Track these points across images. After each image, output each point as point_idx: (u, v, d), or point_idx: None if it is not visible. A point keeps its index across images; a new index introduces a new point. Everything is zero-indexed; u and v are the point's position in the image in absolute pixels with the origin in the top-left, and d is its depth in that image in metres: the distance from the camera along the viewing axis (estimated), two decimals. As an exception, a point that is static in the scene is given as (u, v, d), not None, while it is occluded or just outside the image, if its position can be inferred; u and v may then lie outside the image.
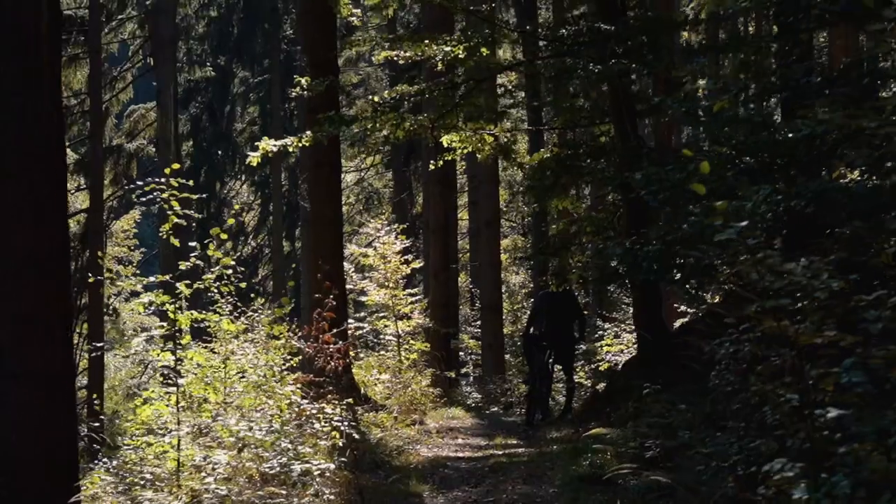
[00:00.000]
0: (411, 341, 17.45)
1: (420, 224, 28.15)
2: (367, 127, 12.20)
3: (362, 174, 40.04)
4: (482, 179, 20.25)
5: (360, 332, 17.35)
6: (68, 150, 31.66)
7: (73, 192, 32.06)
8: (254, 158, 11.88)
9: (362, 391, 14.24)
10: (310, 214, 14.02)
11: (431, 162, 14.37)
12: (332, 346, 8.77)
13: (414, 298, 17.43)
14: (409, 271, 17.55)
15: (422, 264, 17.81)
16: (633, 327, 14.31)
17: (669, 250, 8.17)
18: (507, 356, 21.60)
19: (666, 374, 10.50)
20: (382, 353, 17.36)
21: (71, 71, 31.32)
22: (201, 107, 36.39)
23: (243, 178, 38.20)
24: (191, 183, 9.79)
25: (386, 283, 17.33)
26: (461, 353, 22.99)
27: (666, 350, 11.58)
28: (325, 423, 7.93)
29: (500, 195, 23.92)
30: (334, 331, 10.10)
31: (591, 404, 12.98)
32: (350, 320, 17.48)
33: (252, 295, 31.63)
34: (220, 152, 36.97)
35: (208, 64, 36.35)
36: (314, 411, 7.98)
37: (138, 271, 41.09)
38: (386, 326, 17.53)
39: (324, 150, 13.35)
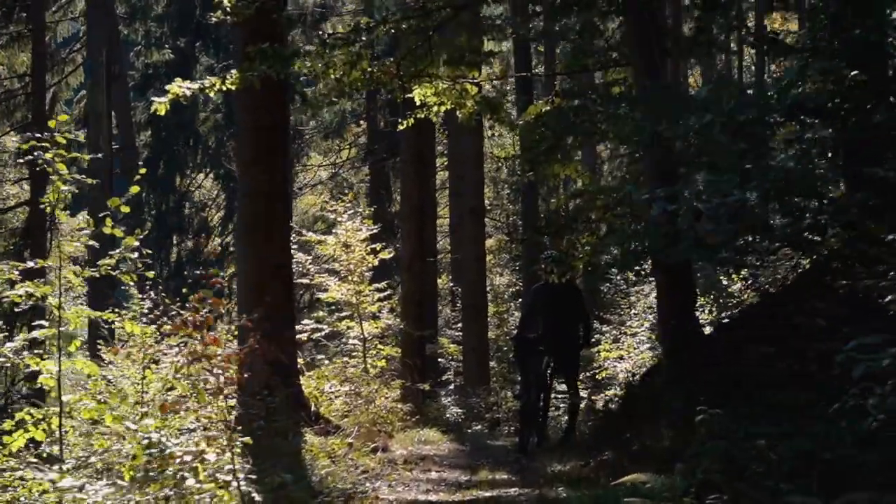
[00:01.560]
0: (379, 346, 14.64)
1: (399, 223, 25.27)
2: (315, 68, 9.42)
3: (337, 169, 37.33)
4: (464, 159, 17.44)
5: (318, 334, 14.54)
6: (10, 137, 28.87)
7: (11, 182, 29.29)
8: (160, 105, 9.11)
9: (314, 407, 11.43)
10: (241, 188, 11.18)
11: (400, 121, 11.60)
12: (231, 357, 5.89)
13: (382, 295, 14.61)
14: (376, 262, 14.74)
15: (392, 254, 14.98)
16: (658, 325, 11.58)
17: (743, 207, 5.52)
18: (491, 363, 18.79)
19: (710, 390, 7.77)
20: (346, 359, 14.57)
21: (13, 51, 28.56)
22: (160, 93, 33.32)
23: (207, 170, 35.38)
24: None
25: (349, 277, 14.52)
26: (441, 360, 20.13)
27: (703, 356, 8.86)
28: (208, 476, 5.07)
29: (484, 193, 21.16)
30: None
31: (604, 427, 10.22)
32: (306, 321, 14.69)
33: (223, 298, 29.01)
34: (180, 142, 34.07)
35: (167, 46, 33.44)
36: (190, 457, 5.11)
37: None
38: (349, 328, 14.72)
39: (265, 107, 10.55)
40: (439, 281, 31.75)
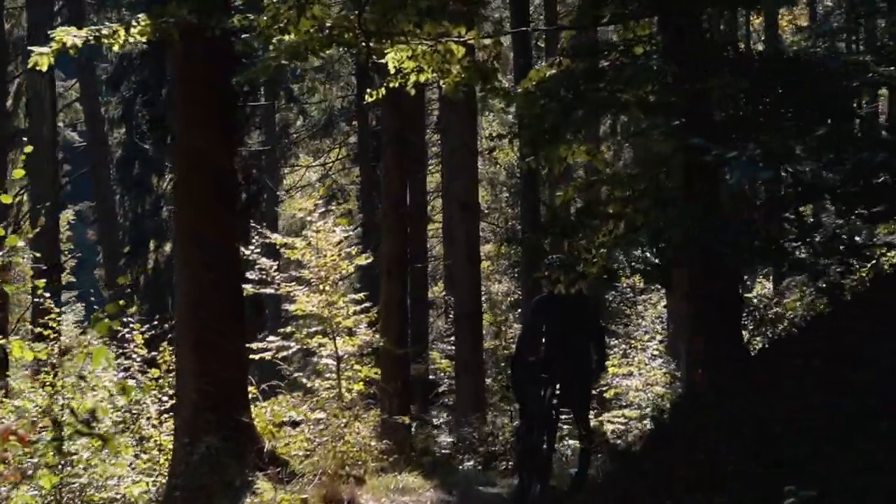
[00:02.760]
0: (356, 366, 12.52)
1: (380, 222, 23.15)
2: (259, 23, 7.34)
3: (326, 169, 35.33)
4: (455, 145, 15.30)
5: (285, 353, 12.43)
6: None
7: (-29, 184, 27.20)
8: (42, 59, 6.99)
9: (268, 445, 9.34)
10: (175, 165, 9.08)
11: (369, 92, 9.49)
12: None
13: (360, 307, 12.50)
14: (352, 269, 12.63)
15: (370, 259, 12.87)
16: (678, 339, 9.48)
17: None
18: (488, 380, 16.65)
19: (778, 443, 5.70)
20: (317, 381, 12.48)
21: (-29, 40, 26.60)
22: (134, 88, 31.34)
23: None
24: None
25: (320, 286, 12.40)
26: (433, 376, 17.98)
27: (751, 377, 6.82)
28: None
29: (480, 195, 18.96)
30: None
31: (625, 471, 8.10)
32: (272, 337, 12.57)
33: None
34: (157, 139, 31.83)
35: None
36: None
37: (74, 278, 36.49)
38: (321, 346, 12.59)
39: (201, 71, 8.48)
40: (434, 289, 29.69)
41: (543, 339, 8.44)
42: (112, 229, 31.75)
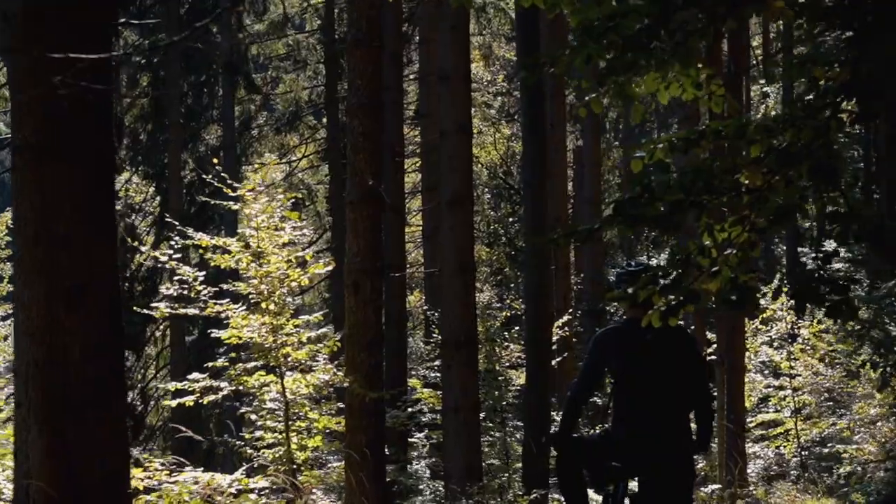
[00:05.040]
0: (311, 415, 9.08)
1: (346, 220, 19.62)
2: None
3: (291, 167, 32.14)
4: (441, 117, 11.71)
5: (214, 396, 8.96)
6: None
7: None
8: None
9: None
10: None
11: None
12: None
13: (316, 333, 9.06)
14: (306, 282, 9.18)
15: (330, 268, 9.46)
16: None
17: None
18: (489, 420, 13.19)
19: None
20: (259, 434, 9.09)
21: None
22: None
23: (134, 167, 29.73)
24: None
25: (262, 304, 8.96)
26: (411, 408, 14.40)
27: None
28: None
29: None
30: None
31: None
32: (195, 374, 9.12)
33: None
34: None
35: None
36: None
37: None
38: (265, 386, 9.13)
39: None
40: (410, 298, 26.28)
41: (613, 402, 5.08)
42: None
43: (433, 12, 16.46)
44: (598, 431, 5.45)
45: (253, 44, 30.66)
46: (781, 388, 14.83)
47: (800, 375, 14.75)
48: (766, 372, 15.76)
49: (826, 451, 13.49)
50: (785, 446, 14.52)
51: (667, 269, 4.35)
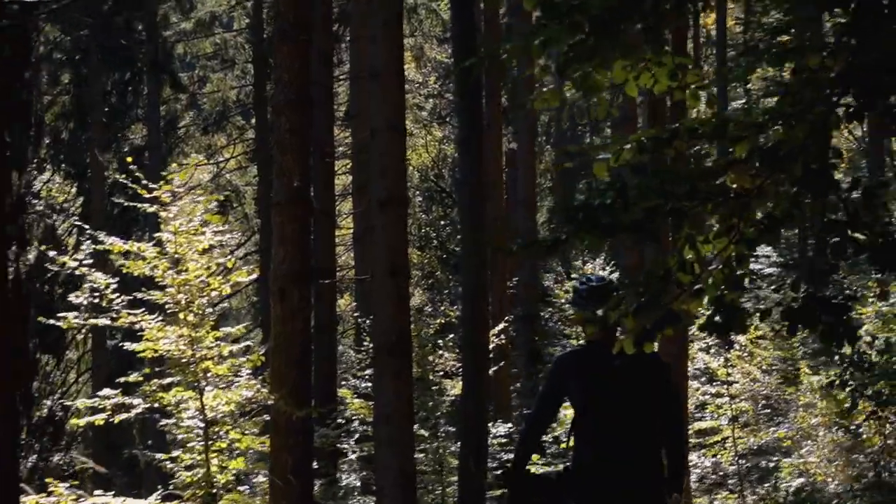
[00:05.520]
0: (233, 434, 8.49)
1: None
2: None
3: (219, 168, 31.34)
4: (372, 114, 11.05)
5: (128, 414, 8.32)
6: None
7: None
8: None
9: None
10: None
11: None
12: None
13: (238, 346, 8.48)
14: (228, 290, 8.60)
15: (254, 276, 8.91)
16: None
17: None
18: (422, 430, 12.62)
19: None
20: (178, 456, 8.47)
21: None
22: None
23: (55, 166, 28.74)
24: None
25: (180, 315, 8.35)
26: (342, 419, 13.80)
27: None
28: None
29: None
30: None
31: None
32: (107, 390, 8.48)
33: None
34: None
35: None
36: None
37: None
38: (182, 404, 8.52)
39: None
40: (340, 302, 25.63)
41: (575, 430, 4.63)
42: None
43: (364, 10, 15.92)
44: (555, 469, 4.96)
45: (179, 42, 29.81)
46: (718, 395, 14.56)
47: (737, 382, 14.49)
48: (703, 379, 15.49)
49: (765, 463, 13.22)
50: (722, 454, 14.24)
51: (642, 286, 3.89)
